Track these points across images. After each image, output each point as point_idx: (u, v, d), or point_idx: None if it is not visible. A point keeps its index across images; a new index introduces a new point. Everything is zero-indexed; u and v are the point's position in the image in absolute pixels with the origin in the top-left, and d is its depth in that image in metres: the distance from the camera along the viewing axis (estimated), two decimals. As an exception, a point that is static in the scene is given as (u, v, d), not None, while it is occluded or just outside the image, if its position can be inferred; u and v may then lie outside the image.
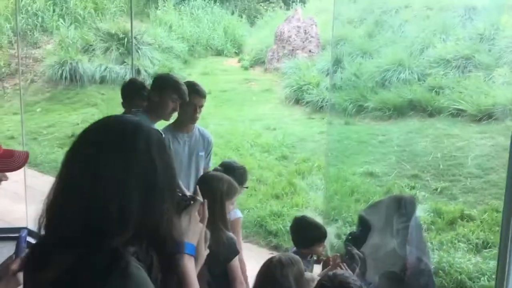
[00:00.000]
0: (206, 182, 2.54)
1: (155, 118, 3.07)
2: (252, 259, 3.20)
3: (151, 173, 1.09)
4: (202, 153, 3.40)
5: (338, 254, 2.67)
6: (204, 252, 1.36)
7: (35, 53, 11.67)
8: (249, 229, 5.47)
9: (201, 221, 1.33)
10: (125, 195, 1.05)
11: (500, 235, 1.54)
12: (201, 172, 3.39)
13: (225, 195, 2.45)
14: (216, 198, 2.39)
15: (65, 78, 10.73)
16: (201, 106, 3.30)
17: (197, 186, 1.46)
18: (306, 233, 2.95)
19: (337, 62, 9.48)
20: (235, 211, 3.09)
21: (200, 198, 1.34)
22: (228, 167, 3.04)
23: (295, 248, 3.00)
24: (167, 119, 3.15)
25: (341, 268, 2.51)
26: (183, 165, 3.30)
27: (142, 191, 1.07)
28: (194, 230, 1.29)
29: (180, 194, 1.27)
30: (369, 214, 3.53)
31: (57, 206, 1.07)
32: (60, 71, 10.78)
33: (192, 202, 1.31)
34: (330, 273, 1.97)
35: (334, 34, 8.83)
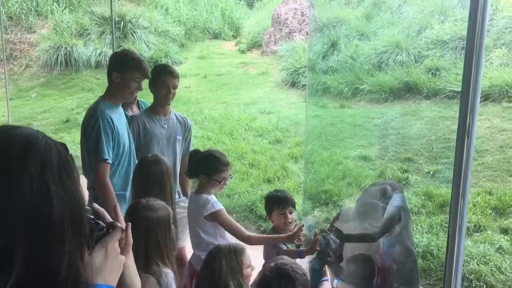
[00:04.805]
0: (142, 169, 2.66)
1: (118, 101, 2.99)
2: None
3: (45, 206, 0.83)
4: (179, 137, 3.36)
5: (301, 224, 2.64)
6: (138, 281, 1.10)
7: (30, 37, 11.60)
8: (239, 213, 5.44)
9: (123, 252, 1.04)
10: (5, 237, 0.80)
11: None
12: (179, 156, 3.35)
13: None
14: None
15: (60, 63, 10.72)
16: (175, 87, 3.26)
17: (117, 212, 1.12)
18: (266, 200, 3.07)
19: (333, 45, 9.38)
20: (214, 202, 2.81)
21: (121, 224, 1.05)
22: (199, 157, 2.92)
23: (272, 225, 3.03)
24: (130, 99, 3.09)
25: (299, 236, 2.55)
26: (161, 148, 3.25)
27: (30, 231, 0.81)
28: (111, 267, 1.00)
29: (93, 222, 1.00)
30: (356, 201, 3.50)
31: None
32: (55, 56, 10.76)
33: (110, 230, 1.02)
34: (272, 263, 1.96)
35: (331, 16, 8.69)
